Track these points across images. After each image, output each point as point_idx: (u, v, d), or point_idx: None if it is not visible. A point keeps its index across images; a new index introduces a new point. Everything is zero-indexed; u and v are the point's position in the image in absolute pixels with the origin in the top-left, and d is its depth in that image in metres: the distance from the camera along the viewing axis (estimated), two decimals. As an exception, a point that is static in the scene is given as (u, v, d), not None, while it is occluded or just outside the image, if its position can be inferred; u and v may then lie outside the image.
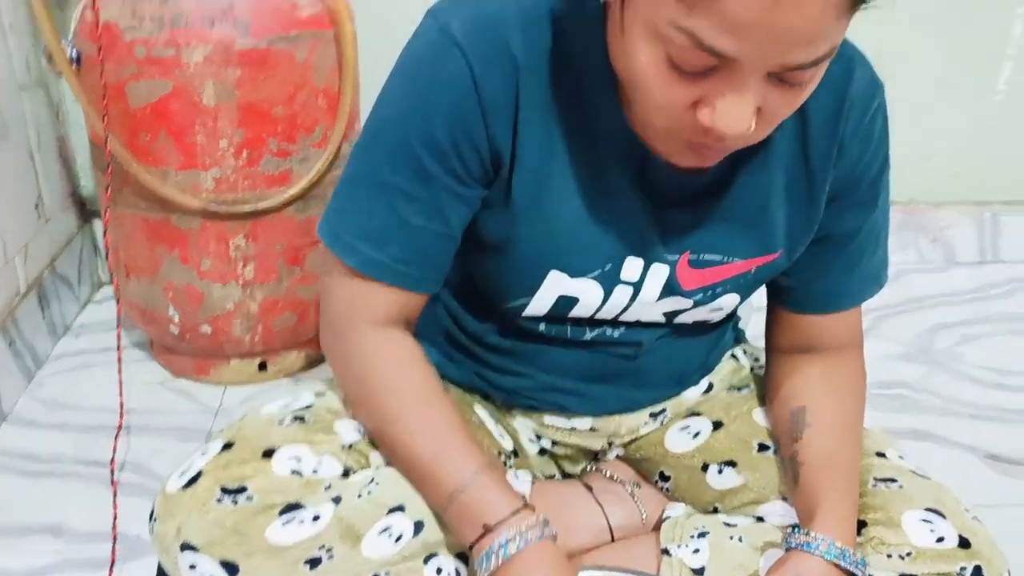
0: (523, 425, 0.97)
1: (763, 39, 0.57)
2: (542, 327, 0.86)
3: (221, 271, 1.39)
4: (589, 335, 0.87)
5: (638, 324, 0.87)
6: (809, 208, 0.81)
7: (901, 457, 0.88)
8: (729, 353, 1.01)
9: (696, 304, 0.84)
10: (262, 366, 1.52)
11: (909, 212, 1.93)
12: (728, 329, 0.99)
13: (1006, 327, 1.75)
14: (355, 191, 0.77)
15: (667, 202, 0.78)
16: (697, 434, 0.95)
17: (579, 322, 0.86)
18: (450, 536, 0.79)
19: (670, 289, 0.82)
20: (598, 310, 0.83)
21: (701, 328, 0.91)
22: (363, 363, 0.80)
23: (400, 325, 0.81)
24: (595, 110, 0.75)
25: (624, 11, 0.64)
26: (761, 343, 0.96)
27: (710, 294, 0.84)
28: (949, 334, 1.72)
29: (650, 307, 0.84)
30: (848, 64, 0.78)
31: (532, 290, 0.81)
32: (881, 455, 0.87)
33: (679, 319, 0.87)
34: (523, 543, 0.73)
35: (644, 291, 0.82)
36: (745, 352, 1.02)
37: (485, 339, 0.90)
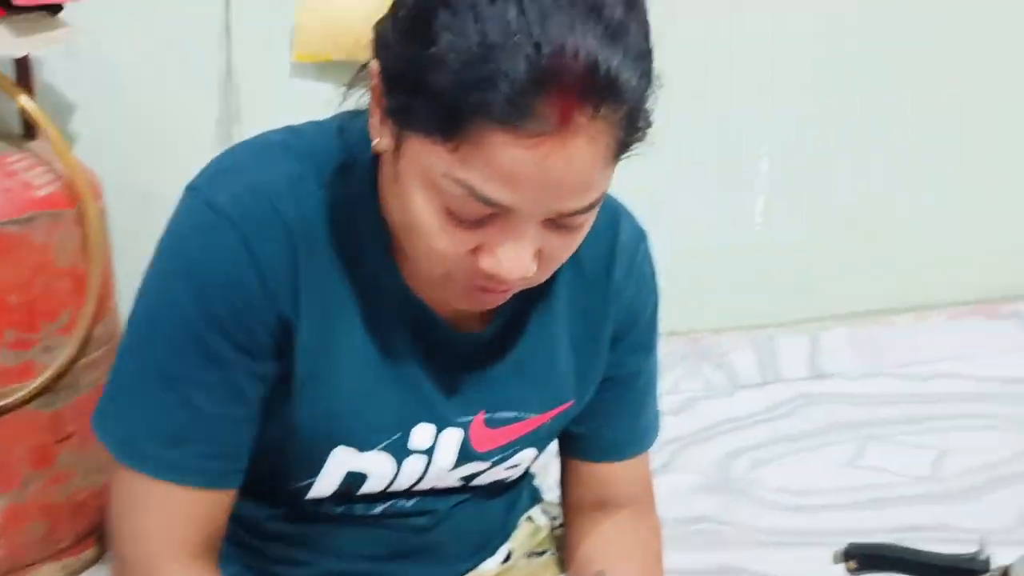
0: None
1: (536, 190, 0.59)
2: (328, 507, 0.80)
3: (-50, 484, 1.22)
4: (380, 508, 0.82)
5: (432, 492, 0.83)
6: (595, 354, 0.83)
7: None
8: (525, 515, 0.98)
9: (494, 464, 0.83)
10: (9, 588, 1.33)
11: (692, 341, 2.01)
12: (524, 487, 0.97)
13: (794, 446, 1.81)
14: (138, 390, 0.72)
15: (454, 363, 0.78)
16: (499, 611, 0.90)
17: (370, 498, 0.81)
18: None
19: (466, 454, 0.81)
20: (390, 484, 0.79)
21: (498, 489, 0.89)
22: None
23: (210, 554, 0.75)
24: (373, 275, 0.74)
25: (398, 162, 0.64)
26: (556, 494, 0.95)
27: (508, 452, 0.83)
28: (743, 459, 1.75)
29: (446, 475, 0.81)
30: (614, 215, 0.82)
31: (316, 469, 0.76)
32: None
33: (476, 481, 0.85)
34: None
35: (437, 458, 0.79)
36: (543, 512, 1.00)
37: (261, 526, 0.83)
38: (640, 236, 0.85)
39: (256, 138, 0.75)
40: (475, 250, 0.64)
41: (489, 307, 0.71)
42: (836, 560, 1.28)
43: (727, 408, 1.94)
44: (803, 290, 2.09)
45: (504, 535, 0.95)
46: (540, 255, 0.65)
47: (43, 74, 1.47)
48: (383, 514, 0.82)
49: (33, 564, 1.34)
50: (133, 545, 0.74)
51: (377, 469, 0.78)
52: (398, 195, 0.65)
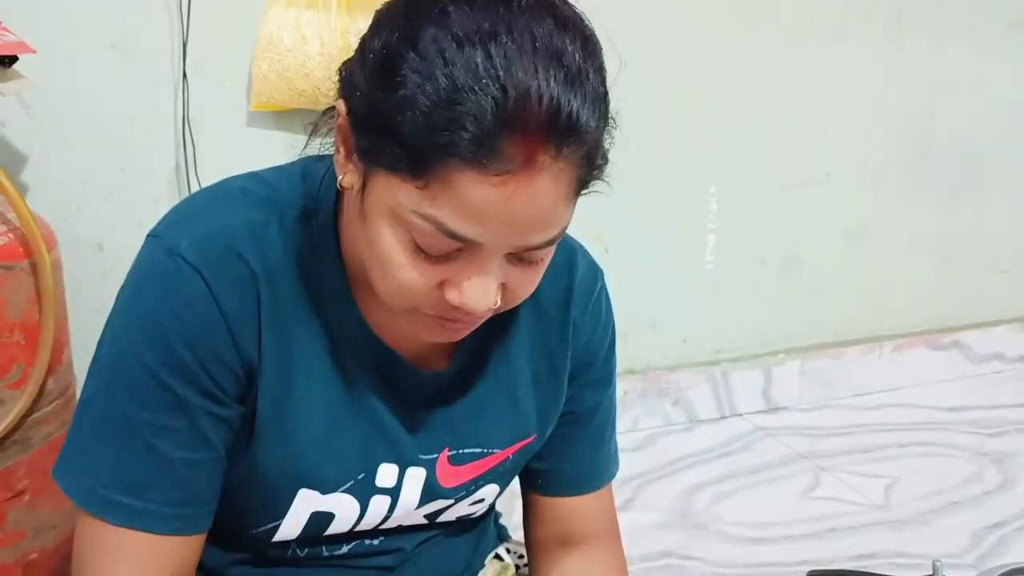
0: None
1: (502, 226, 0.61)
2: (293, 550, 0.79)
3: None
4: (346, 548, 0.81)
5: (398, 529, 0.83)
6: (554, 389, 0.84)
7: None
8: (493, 553, 0.97)
9: (457, 500, 0.83)
10: (-41, 653, 1.27)
11: (650, 379, 2.02)
12: (489, 524, 0.97)
13: (752, 479, 1.83)
14: (101, 438, 0.71)
15: (418, 402, 0.78)
16: (468, 654, 0.89)
17: (335, 539, 0.80)
18: None
19: (430, 492, 0.80)
20: (356, 523, 0.79)
21: (463, 526, 0.88)
22: None
23: None
24: (336, 318, 0.74)
25: (366, 199, 0.65)
26: (522, 534, 0.94)
27: (472, 488, 0.83)
28: (704, 494, 1.77)
29: (411, 513, 0.81)
30: (570, 254, 0.84)
31: (283, 512, 0.76)
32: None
33: (442, 518, 0.84)
34: None
35: (403, 497, 0.79)
36: (509, 551, 0.99)
37: (224, 573, 0.81)
38: (596, 274, 0.86)
39: (216, 185, 0.76)
40: (441, 284, 0.65)
41: (454, 339, 0.72)
42: (798, 589, 1.30)
43: (687, 443, 1.97)
44: (755, 325, 2.13)
45: (471, 573, 0.94)
46: (504, 288, 0.67)
47: (-6, 126, 1.46)
48: (349, 554, 0.82)
49: (-16, 628, 1.29)
50: None
51: (342, 509, 0.77)
52: (364, 231, 0.66)
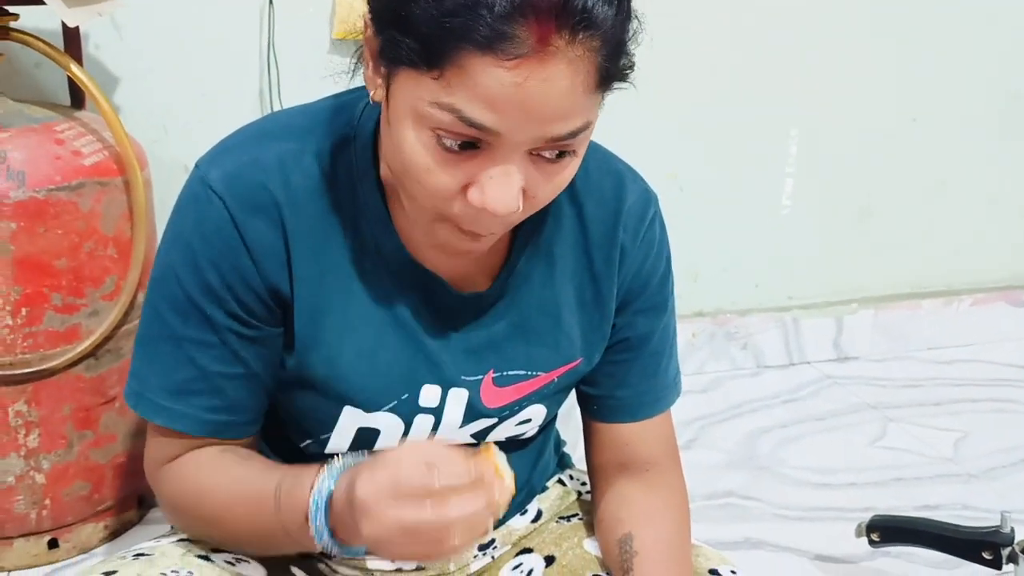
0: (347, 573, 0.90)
1: (518, 111, 0.61)
2: None
3: (-1, 442, 1.26)
4: None
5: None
6: (600, 314, 0.85)
7: (733, 572, 0.87)
8: (556, 478, 1.00)
9: (501, 420, 0.84)
10: (52, 543, 1.36)
11: (719, 322, 2.02)
12: (548, 448, 0.98)
13: (819, 426, 1.82)
14: (151, 348, 0.77)
15: (459, 324, 0.80)
16: (530, 572, 0.91)
17: None
18: None
19: (473, 411, 0.82)
20: (401, 440, 0.81)
21: (515, 444, 0.90)
22: (180, 475, 0.79)
23: None
24: (375, 242, 0.76)
25: (389, 105, 0.67)
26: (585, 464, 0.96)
27: (516, 408, 0.84)
28: (769, 438, 1.77)
29: (456, 432, 0.83)
30: (618, 179, 0.84)
31: (329, 427, 0.80)
32: (714, 572, 0.87)
33: (489, 438, 0.86)
34: (341, 470, 0.68)
35: (446, 417, 0.82)
36: (572, 477, 1.01)
37: None
38: (649, 200, 0.85)
39: (261, 119, 0.81)
40: (464, 189, 0.66)
41: (482, 249, 0.73)
42: (859, 533, 1.30)
43: (753, 388, 1.96)
44: (829, 273, 2.10)
45: (530, 490, 0.96)
46: (525, 194, 0.66)
47: (88, 47, 1.50)
48: None
49: (76, 523, 1.36)
50: (156, 463, 0.80)
51: (387, 428, 0.80)
52: (391, 139, 0.67)
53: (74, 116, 1.32)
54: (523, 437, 0.90)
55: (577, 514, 0.96)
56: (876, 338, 2.13)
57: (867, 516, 1.31)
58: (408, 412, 0.80)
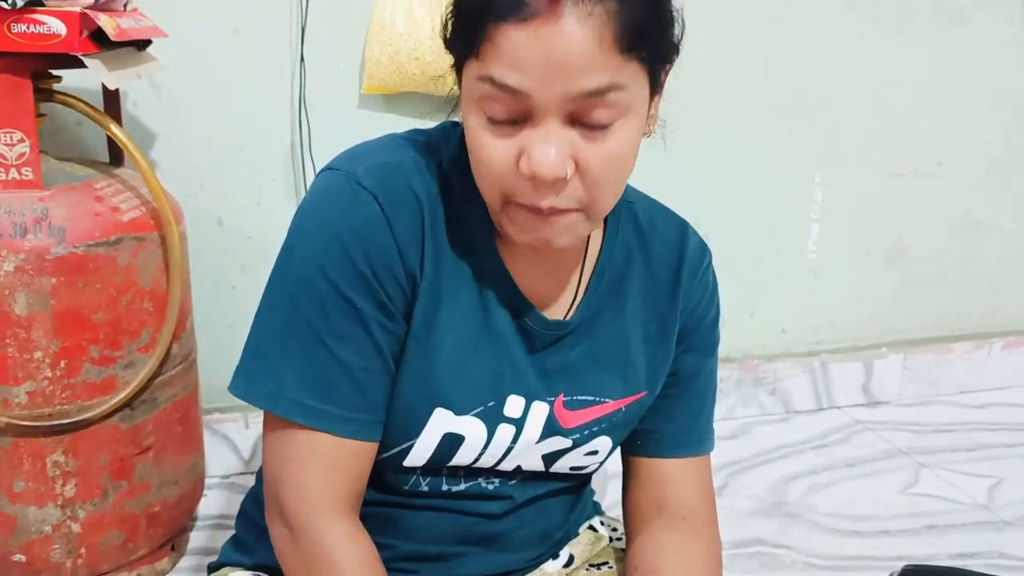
0: None
1: (540, 70, 0.67)
2: (416, 480, 0.84)
3: (37, 492, 1.27)
4: (464, 486, 0.86)
5: (515, 473, 0.87)
6: (663, 349, 0.90)
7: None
8: (587, 524, 1.01)
9: (575, 444, 0.87)
10: (88, 593, 1.37)
11: (746, 368, 2.01)
12: (586, 495, 1.00)
13: (849, 472, 1.81)
14: (284, 347, 0.77)
15: (541, 346, 0.84)
16: (561, 618, 0.92)
17: (456, 472, 0.85)
18: None
19: (551, 428, 0.85)
20: (482, 452, 0.83)
21: (568, 486, 0.92)
22: (329, 567, 0.77)
23: (356, 511, 0.80)
24: (480, 257, 0.81)
25: (459, 101, 0.75)
26: (618, 511, 0.96)
27: (587, 433, 0.87)
28: (798, 485, 1.75)
29: (531, 449, 0.85)
30: (682, 228, 0.92)
31: (418, 431, 0.81)
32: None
33: (557, 465, 0.88)
34: None
35: (526, 430, 0.84)
36: (603, 523, 1.02)
37: None
38: (705, 250, 0.92)
39: (379, 138, 0.84)
40: (517, 161, 0.70)
41: (550, 240, 0.74)
42: (893, 583, 1.28)
43: (782, 434, 1.95)
44: (857, 317, 2.09)
45: (564, 537, 0.97)
46: (578, 168, 0.71)
47: (127, 105, 1.55)
48: (465, 493, 0.86)
49: (110, 572, 1.37)
50: (292, 492, 0.78)
51: (472, 434, 0.82)
52: (465, 131, 0.74)
53: (113, 173, 1.35)
54: (587, 471, 0.92)
55: (607, 562, 0.96)
56: (906, 382, 2.12)
57: (899, 565, 1.29)
58: (493, 420, 0.83)
